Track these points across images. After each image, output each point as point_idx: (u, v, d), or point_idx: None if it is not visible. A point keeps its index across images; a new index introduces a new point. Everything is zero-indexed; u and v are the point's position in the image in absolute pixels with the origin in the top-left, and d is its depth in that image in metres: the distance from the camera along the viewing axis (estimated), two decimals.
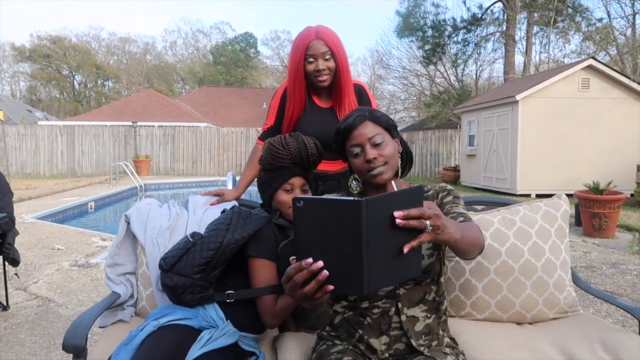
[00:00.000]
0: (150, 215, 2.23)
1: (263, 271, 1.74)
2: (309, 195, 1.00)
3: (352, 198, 0.95)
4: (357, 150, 1.54)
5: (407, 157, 1.69)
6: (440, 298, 1.59)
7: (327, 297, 1.07)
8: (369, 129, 1.54)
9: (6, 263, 3.64)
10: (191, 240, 1.78)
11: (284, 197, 1.86)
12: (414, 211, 1.02)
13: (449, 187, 1.66)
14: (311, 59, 2.22)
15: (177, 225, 2.16)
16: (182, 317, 1.67)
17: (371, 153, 1.51)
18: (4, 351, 3.03)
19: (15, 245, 3.59)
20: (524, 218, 2.07)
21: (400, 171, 1.64)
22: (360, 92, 2.40)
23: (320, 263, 0.99)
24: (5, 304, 3.75)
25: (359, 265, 0.95)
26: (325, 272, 0.99)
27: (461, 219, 1.49)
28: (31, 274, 4.75)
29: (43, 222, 7.91)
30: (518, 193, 11.82)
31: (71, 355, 1.67)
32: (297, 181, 1.87)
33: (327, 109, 2.37)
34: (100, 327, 2.04)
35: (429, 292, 1.55)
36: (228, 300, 1.72)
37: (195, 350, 1.53)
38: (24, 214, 7.85)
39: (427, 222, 1.05)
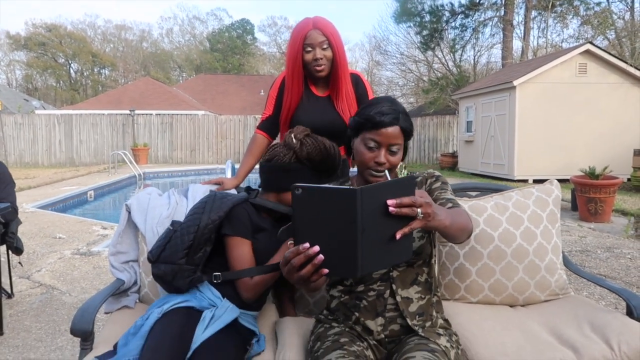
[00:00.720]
0: (151, 205, 2.28)
1: (237, 248, 1.79)
2: (307, 184, 1.05)
3: (348, 187, 1.01)
4: (372, 144, 1.55)
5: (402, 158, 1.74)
6: (432, 279, 1.65)
7: (322, 280, 1.13)
8: (395, 134, 1.55)
9: (10, 252, 3.70)
10: (172, 228, 1.84)
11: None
12: (406, 199, 1.08)
13: (437, 173, 1.72)
14: (309, 48, 2.26)
15: (176, 214, 2.20)
16: (183, 300, 1.73)
17: (384, 157, 1.54)
18: (10, 337, 3.10)
19: (17, 234, 3.64)
20: (517, 204, 2.12)
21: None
22: (357, 82, 2.44)
23: (317, 248, 1.04)
24: (10, 292, 3.82)
25: (353, 250, 1.00)
26: (321, 257, 1.04)
27: (450, 204, 1.55)
28: (34, 262, 4.81)
29: (44, 211, 7.96)
30: (515, 179, 11.88)
31: (78, 339, 1.73)
32: None
33: (325, 97, 2.41)
34: (106, 313, 2.10)
35: (421, 273, 1.61)
36: (216, 281, 1.78)
37: (201, 332, 1.60)
38: (24, 204, 7.88)
39: (419, 209, 1.11)
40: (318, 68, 2.29)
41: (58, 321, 3.36)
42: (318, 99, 2.41)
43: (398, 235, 1.08)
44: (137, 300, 2.14)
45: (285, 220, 1.91)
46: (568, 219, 7.10)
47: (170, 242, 1.80)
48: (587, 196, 6.89)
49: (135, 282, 2.16)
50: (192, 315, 1.67)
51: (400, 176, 1.68)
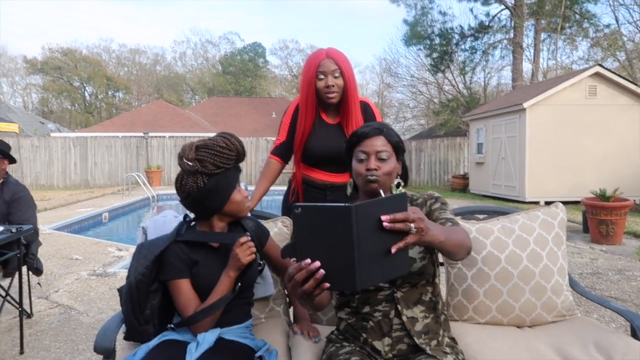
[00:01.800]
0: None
1: (178, 291, 1.76)
2: (306, 203, 1.12)
3: (343, 204, 1.07)
4: (362, 156, 1.68)
5: (404, 180, 1.81)
6: (437, 298, 1.71)
7: (326, 299, 1.18)
8: (380, 143, 1.68)
9: (30, 272, 3.80)
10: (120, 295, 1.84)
11: (238, 196, 1.82)
12: (399, 215, 1.15)
13: (436, 194, 1.80)
14: (322, 76, 2.38)
15: None
16: (164, 335, 1.78)
17: (374, 164, 1.65)
18: (30, 356, 3.18)
19: (37, 256, 3.76)
20: (523, 226, 2.19)
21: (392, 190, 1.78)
22: (366, 109, 2.54)
23: (317, 263, 1.11)
24: (29, 312, 3.91)
25: (351, 264, 1.07)
26: (322, 271, 1.11)
27: (449, 224, 1.64)
28: (52, 283, 4.92)
29: (60, 232, 8.11)
30: (527, 200, 11.87)
31: (94, 356, 1.80)
32: (239, 177, 1.87)
33: (335, 125, 2.51)
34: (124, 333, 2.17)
35: (425, 293, 1.67)
36: (177, 328, 1.77)
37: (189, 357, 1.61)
38: (41, 225, 7.99)
39: (412, 224, 1.17)
40: (330, 95, 2.40)
41: (76, 341, 3.44)
42: (328, 126, 2.51)
43: (393, 250, 1.14)
44: None
45: (215, 248, 1.88)
46: (579, 241, 7.10)
47: (122, 305, 1.82)
48: (598, 218, 6.89)
49: None
50: (180, 347, 1.68)
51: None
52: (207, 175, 1.77)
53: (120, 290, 1.86)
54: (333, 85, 2.38)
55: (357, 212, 1.06)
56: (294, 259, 1.17)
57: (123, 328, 2.03)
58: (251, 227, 1.93)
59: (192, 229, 1.89)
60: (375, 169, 1.65)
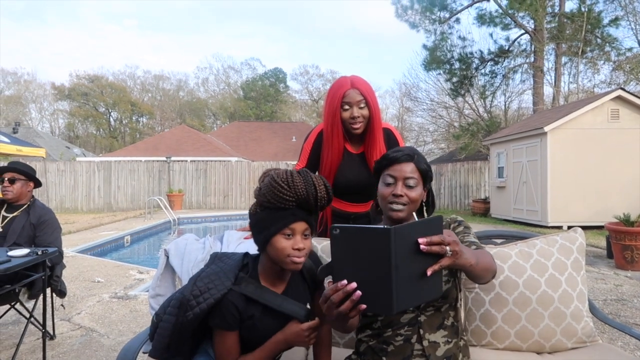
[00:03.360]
0: (187, 249, 2.42)
1: (223, 342, 1.63)
2: (345, 225, 1.13)
3: (382, 226, 1.09)
4: (390, 180, 1.70)
5: (430, 206, 1.84)
6: (458, 323, 1.71)
7: (357, 320, 1.17)
8: (409, 169, 1.69)
9: (53, 295, 3.87)
10: (155, 320, 1.71)
11: (282, 243, 1.56)
12: (435, 238, 1.17)
13: (460, 218, 1.82)
14: (347, 107, 2.38)
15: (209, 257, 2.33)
16: None
17: (400, 190, 1.67)
18: None
19: (61, 278, 3.83)
20: (541, 251, 2.18)
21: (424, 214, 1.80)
22: (389, 136, 2.54)
23: (354, 284, 1.12)
24: (52, 333, 3.97)
25: (388, 286, 1.08)
26: (359, 292, 1.12)
27: (474, 247, 1.64)
28: (74, 305, 4.99)
29: (83, 255, 8.24)
30: (549, 225, 11.70)
31: None
32: (299, 226, 1.57)
33: (358, 155, 2.52)
34: (144, 353, 2.20)
35: (447, 317, 1.67)
36: None
37: None
38: (65, 248, 8.13)
39: (447, 247, 1.19)
40: (355, 126, 2.40)
41: None
42: (352, 156, 2.52)
43: (429, 272, 1.15)
44: None
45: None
46: (604, 266, 6.96)
47: (155, 334, 1.70)
48: (622, 243, 6.76)
49: None
50: None
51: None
52: (260, 205, 1.63)
53: (156, 320, 1.71)
54: (359, 116, 2.37)
55: (395, 234, 1.08)
56: (330, 280, 1.18)
57: (144, 348, 2.06)
58: (307, 268, 1.75)
59: (254, 274, 1.68)
60: (402, 195, 1.66)
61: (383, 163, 1.75)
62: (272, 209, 1.58)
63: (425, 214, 1.81)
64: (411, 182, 1.68)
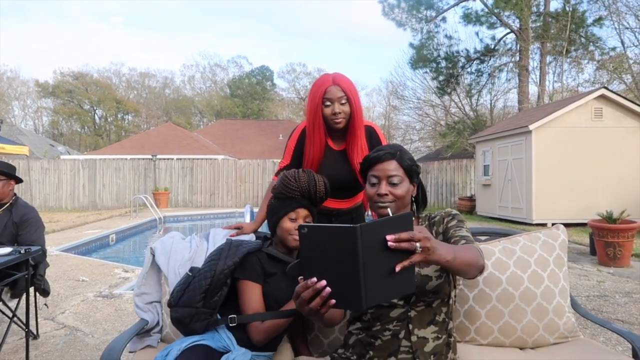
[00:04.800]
0: (174, 248, 2.41)
1: (248, 292, 1.92)
2: (312, 224, 1.16)
3: (348, 225, 1.10)
4: (374, 180, 1.72)
5: (422, 200, 1.85)
6: (449, 320, 1.72)
7: (339, 316, 1.18)
8: (391, 167, 1.70)
9: (37, 294, 3.83)
10: (190, 274, 1.99)
11: (288, 225, 2.00)
12: (404, 234, 1.16)
13: (454, 212, 1.83)
14: (328, 103, 2.40)
15: (197, 257, 2.33)
16: (201, 339, 1.86)
17: (384, 189, 1.68)
18: None
19: (45, 277, 3.79)
20: (524, 248, 2.20)
21: (414, 209, 1.82)
22: (371, 133, 2.56)
23: (324, 282, 1.14)
24: (35, 333, 3.93)
25: (356, 283, 1.09)
26: (328, 289, 1.14)
27: (463, 241, 1.64)
28: (58, 304, 4.94)
29: (67, 254, 8.16)
30: (534, 222, 11.82)
31: None
32: (302, 212, 2.03)
33: (340, 151, 2.54)
34: (130, 352, 2.20)
35: (439, 313, 1.68)
36: (231, 325, 1.89)
37: None
38: (49, 247, 8.06)
39: (417, 244, 1.19)
40: (337, 121, 2.42)
41: None
42: (334, 152, 2.53)
43: (398, 268, 1.15)
44: (160, 340, 2.24)
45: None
46: (587, 263, 7.05)
47: (188, 287, 1.93)
48: (605, 240, 6.86)
49: (157, 323, 2.27)
50: (210, 354, 1.78)
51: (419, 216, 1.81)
52: (274, 197, 2.10)
53: (192, 275, 1.98)
54: (340, 112, 2.39)
55: (362, 232, 1.09)
56: (301, 277, 1.19)
57: (128, 347, 2.06)
58: None
59: (272, 247, 2.10)
60: (386, 194, 1.67)
61: (366, 164, 1.77)
62: (282, 199, 2.06)
63: (416, 209, 1.82)
64: (395, 180, 1.69)
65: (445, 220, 1.79)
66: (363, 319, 1.70)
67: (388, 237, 1.15)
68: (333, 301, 1.15)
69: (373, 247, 1.12)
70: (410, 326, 1.62)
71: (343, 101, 2.39)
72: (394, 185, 1.69)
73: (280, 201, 2.06)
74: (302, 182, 2.04)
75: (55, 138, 48.67)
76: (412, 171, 1.74)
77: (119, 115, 54.57)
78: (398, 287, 1.18)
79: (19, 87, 52.02)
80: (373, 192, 1.71)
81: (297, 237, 1.96)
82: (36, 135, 41.14)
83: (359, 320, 1.73)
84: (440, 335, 1.66)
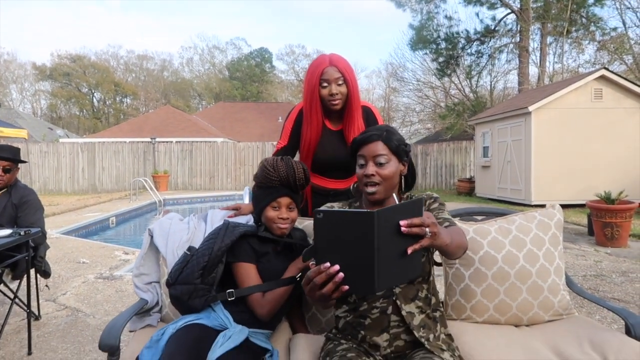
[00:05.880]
0: (172, 229, 2.42)
1: (242, 272, 1.98)
2: (328, 209, 1.18)
3: (365, 210, 1.12)
4: (362, 161, 1.74)
5: (410, 180, 1.86)
6: (431, 296, 1.76)
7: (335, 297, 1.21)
8: (377, 148, 1.71)
9: (38, 275, 3.87)
10: (188, 253, 2.03)
11: (271, 213, 2.05)
12: (416, 220, 1.20)
13: (435, 195, 1.86)
14: (325, 84, 2.40)
15: (195, 238, 2.34)
16: (197, 318, 1.89)
17: (371, 169, 1.70)
18: (38, 357, 3.23)
19: (45, 259, 3.82)
20: (520, 227, 2.22)
21: (402, 188, 1.84)
22: (368, 114, 2.56)
23: (337, 267, 1.15)
24: (37, 314, 3.97)
25: (370, 267, 1.11)
26: (341, 274, 1.15)
27: (447, 223, 1.69)
28: (59, 286, 4.98)
29: (67, 237, 8.20)
30: (533, 203, 11.84)
31: (100, 356, 1.85)
32: (284, 200, 2.06)
33: (337, 131, 2.54)
34: (130, 331, 2.23)
35: (421, 289, 1.71)
36: (230, 299, 1.93)
37: (214, 350, 1.71)
38: (49, 230, 8.10)
39: (427, 229, 1.23)
40: (333, 102, 2.42)
41: (83, 342, 3.50)
42: (331, 133, 2.54)
43: (409, 251, 1.18)
44: (159, 320, 2.27)
45: (286, 251, 2.12)
46: (584, 243, 7.10)
47: (187, 265, 1.97)
48: (603, 221, 6.89)
49: (157, 303, 2.29)
50: (206, 332, 1.81)
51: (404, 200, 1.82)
52: (256, 185, 2.14)
53: (190, 254, 2.03)
54: (337, 93, 2.39)
55: (379, 217, 1.10)
56: (313, 262, 1.21)
57: (128, 327, 2.09)
58: (297, 237, 2.18)
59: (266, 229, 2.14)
60: (373, 174, 1.69)
61: (354, 147, 1.79)
62: (264, 188, 2.09)
63: (404, 188, 1.83)
64: (381, 160, 1.70)
65: (428, 203, 1.82)
66: (349, 300, 1.73)
67: (402, 223, 1.17)
68: (346, 287, 1.16)
69: (387, 232, 1.14)
70: (398, 302, 1.65)
71: (340, 82, 2.39)
72: (380, 165, 1.70)
73: (262, 190, 2.10)
74: (281, 170, 2.06)
75: (53, 121, 48.50)
76: (399, 150, 1.74)
77: (117, 98, 54.36)
78: (407, 270, 1.21)
79: (16, 70, 51.72)
80: (361, 173, 1.73)
81: (281, 226, 2.05)
82: (34, 118, 41.01)
83: (344, 303, 1.75)
84: (424, 309, 1.70)
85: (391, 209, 1.17)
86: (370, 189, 1.71)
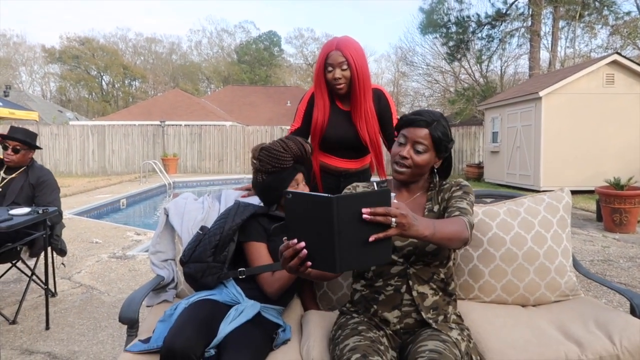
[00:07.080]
0: (187, 209, 2.49)
1: (253, 251, 2.03)
2: (296, 191, 1.28)
3: (326, 195, 1.18)
4: (402, 140, 1.77)
5: (443, 173, 1.89)
6: (449, 280, 1.80)
7: (316, 273, 1.27)
8: (421, 134, 1.73)
9: (54, 253, 3.96)
10: (201, 232, 2.11)
11: None
12: (380, 209, 1.24)
13: (464, 182, 1.86)
14: (330, 68, 2.45)
15: (209, 217, 2.41)
16: (209, 294, 1.97)
17: (407, 152, 1.74)
18: (56, 332, 3.33)
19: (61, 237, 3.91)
20: (528, 209, 2.26)
21: (433, 180, 1.87)
22: (380, 97, 2.60)
23: (302, 244, 1.24)
24: (53, 291, 4.08)
25: (332, 248, 1.18)
26: (305, 251, 1.24)
27: (457, 212, 1.69)
28: (74, 264, 5.09)
29: (80, 217, 8.32)
30: (542, 189, 11.82)
31: (117, 334, 1.92)
32: (300, 176, 2.15)
33: (347, 111, 2.59)
34: (147, 307, 2.30)
35: (437, 273, 1.76)
36: (241, 277, 2.00)
37: (226, 325, 1.78)
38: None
39: (393, 219, 1.26)
40: (338, 86, 2.47)
41: (99, 318, 3.60)
42: (342, 113, 2.59)
43: (371, 239, 1.23)
44: (175, 296, 2.34)
45: None
46: (593, 229, 7.11)
47: (199, 244, 2.05)
48: (611, 207, 6.89)
49: (173, 279, 2.36)
50: (218, 307, 1.88)
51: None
52: (265, 173, 2.12)
53: (202, 233, 2.10)
54: (340, 78, 2.44)
55: (337, 203, 1.17)
56: (285, 237, 1.30)
57: (145, 302, 2.16)
58: None
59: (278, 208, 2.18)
60: (407, 157, 1.73)
61: (400, 123, 1.81)
62: (276, 172, 2.09)
63: (434, 179, 1.86)
64: (420, 148, 1.73)
65: (452, 189, 1.83)
66: (366, 276, 1.79)
67: (363, 211, 1.22)
68: (309, 263, 1.25)
69: (349, 217, 1.20)
70: (410, 282, 1.70)
71: (344, 67, 2.43)
72: (417, 152, 1.73)
73: (274, 175, 2.10)
74: (293, 148, 2.11)
75: (63, 104, 48.67)
76: (441, 145, 1.75)
77: (126, 82, 54.43)
78: (373, 256, 1.26)
79: (25, 52, 51.87)
80: (397, 151, 1.77)
81: None
82: (44, 101, 41.17)
83: (362, 278, 1.81)
84: (437, 292, 1.74)
85: (352, 197, 1.23)
86: (399, 169, 1.76)
